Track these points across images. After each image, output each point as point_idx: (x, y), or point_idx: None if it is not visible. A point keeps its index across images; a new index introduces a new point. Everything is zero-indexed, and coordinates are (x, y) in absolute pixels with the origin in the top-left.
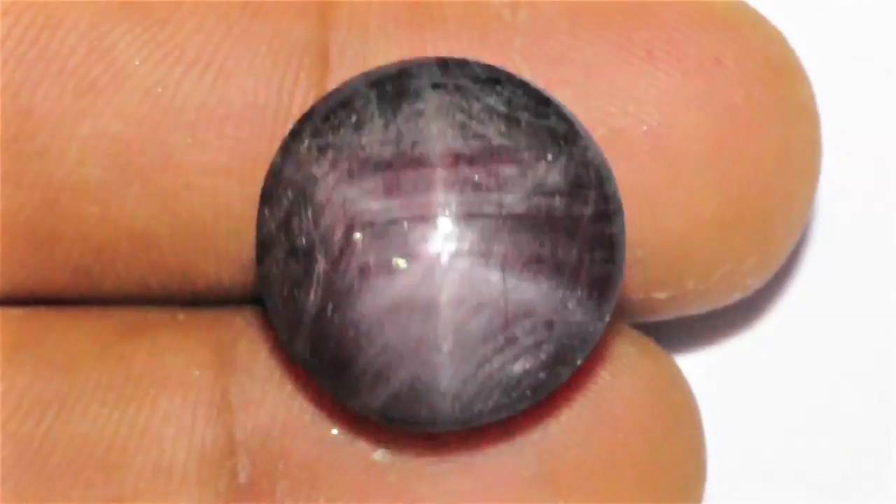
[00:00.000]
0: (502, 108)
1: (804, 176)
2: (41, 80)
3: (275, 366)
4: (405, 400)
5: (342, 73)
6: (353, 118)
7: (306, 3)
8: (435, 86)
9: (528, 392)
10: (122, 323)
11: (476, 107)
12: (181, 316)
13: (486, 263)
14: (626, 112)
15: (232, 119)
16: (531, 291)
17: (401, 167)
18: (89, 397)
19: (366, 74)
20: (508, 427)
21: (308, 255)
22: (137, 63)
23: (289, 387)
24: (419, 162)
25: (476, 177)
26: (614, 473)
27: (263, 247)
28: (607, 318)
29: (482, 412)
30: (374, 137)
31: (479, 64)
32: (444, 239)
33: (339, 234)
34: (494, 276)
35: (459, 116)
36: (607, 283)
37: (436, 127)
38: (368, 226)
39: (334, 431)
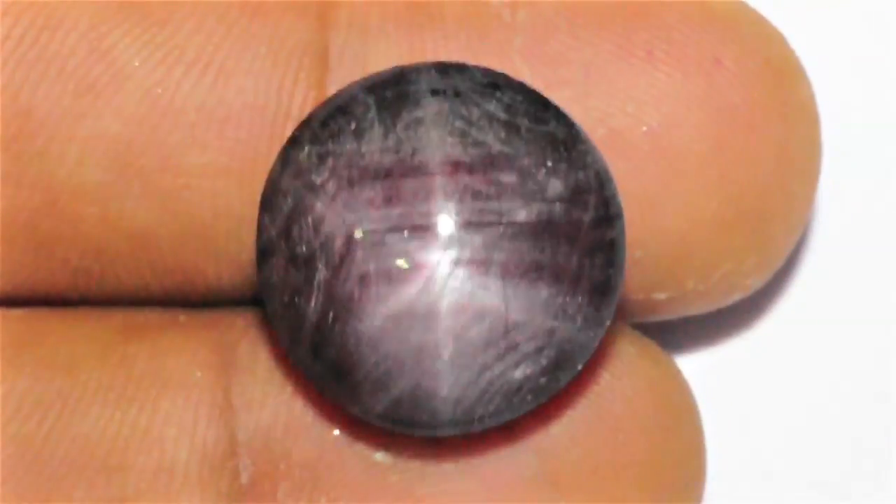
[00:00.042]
0: (502, 115)
1: (804, 176)
2: (41, 80)
3: (276, 367)
4: (406, 406)
5: (342, 73)
6: (353, 125)
7: (306, 3)
8: (434, 92)
9: (529, 397)
10: (123, 324)
11: (475, 113)
12: (182, 317)
13: (486, 271)
14: (626, 112)
15: (231, 120)
16: (532, 298)
17: (400, 175)
18: (91, 398)
19: (365, 80)
20: (510, 428)
21: (308, 262)
22: (137, 64)
23: (290, 387)
24: (419, 170)
25: (476, 185)
26: (615, 474)
27: (264, 254)
28: (608, 323)
29: (483, 417)
30: (374, 145)
31: (478, 68)
32: (445, 247)
33: (339, 243)
34: (495, 284)
35: (459, 124)
36: (608, 287)
37: (435, 134)
38: (368, 234)
39: (336, 432)
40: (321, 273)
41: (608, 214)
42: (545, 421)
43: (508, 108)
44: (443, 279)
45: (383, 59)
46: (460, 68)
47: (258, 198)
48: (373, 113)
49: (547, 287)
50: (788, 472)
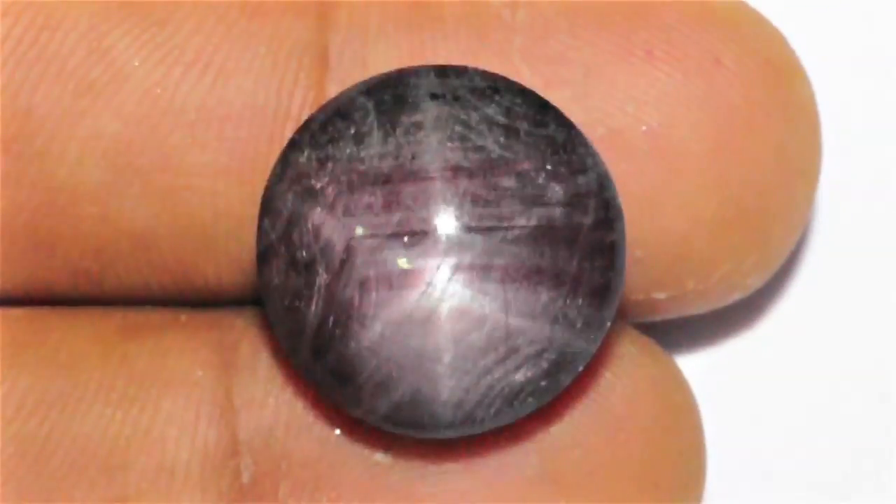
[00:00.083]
0: (501, 118)
1: (804, 176)
2: (41, 80)
3: (277, 366)
4: (407, 409)
5: (341, 73)
6: (352, 130)
7: (305, 3)
8: (433, 96)
9: (530, 399)
10: (124, 323)
11: (475, 117)
12: (183, 317)
13: (486, 277)
14: (626, 112)
15: (231, 119)
16: (532, 303)
17: (400, 180)
18: (92, 398)
19: (364, 83)
20: (510, 428)
21: (309, 267)
22: (137, 64)
23: (291, 387)
24: (418, 175)
25: (475, 190)
26: (615, 473)
27: (264, 257)
28: (608, 325)
29: (484, 420)
30: (373, 150)
31: (477, 71)
32: (444, 253)
33: (339, 248)
34: (495, 289)
35: (458, 128)
36: (608, 290)
37: (435, 139)
38: (368, 239)
39: (337, 432)
40: (321, 278)
41: (608, 217)
42: (546, 420)
43: (508, 112)
44: (443, 284)
45: (383, 59)
46: (459, 71)
47: (258, 197)
48: (372, 117)
49: (547, 291)
50: (788, 472)
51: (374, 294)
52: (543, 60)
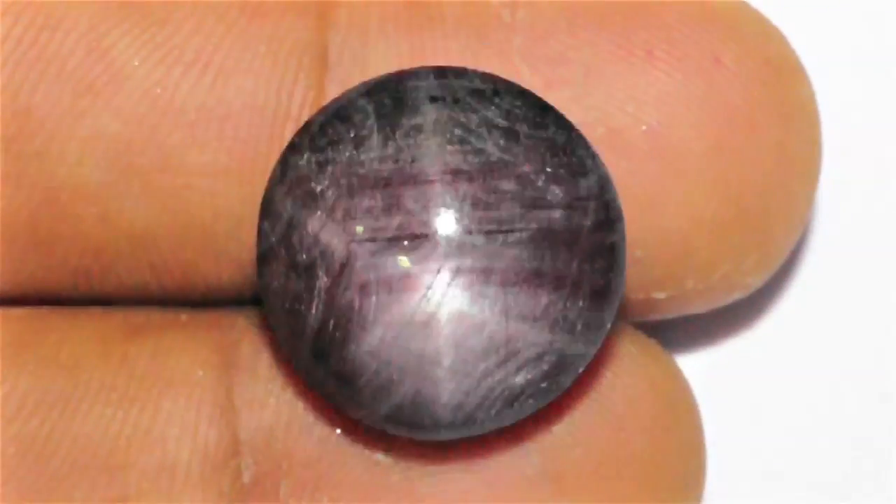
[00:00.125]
0: (501, 121)
1: (804, 176)
2: (40, 80)
3: (278, 366)
4: (407, 412)
5: (341, 73)
6: (352, 133)
7: (305, 3)
8: (433, 99)
9: (531, 401)
10: (124, 323)
11: (474, 120)
12: (184, 316)
13: (486, 280)
14: (626, 112)
15: (231, 119)
16: (532, 306)
17: (400, 184)
18: (93, 397)
19: (363, 85)
20: (511, 428)
21: (309, 270)
22: (136, 64)
23: (292, 387)
24: (418, 179)
25: (475, 193)
26: (616, 473)
27: (264, 260)
28: (609, 326)
29: (484, 422)
30: (373, 153)
31: (477, 73)
32: (445, 256)
33: (339, 251)
34: (495, 293)
35: (458, 131)
36: (608, 292)
37: (434, 143)
38: (368, 243)
39: (338, 431)
40: (321, 281)
41: (608, 219)
42: (546, 420)
43: (508, 114)
44: (443, 288)
45: (383, 58)
46: (459, 73)
47: (258, 197)
48: (372, 120)
49: (547, 294)
50: (788, 472)
51: (374, 298)
52: (543, 60)
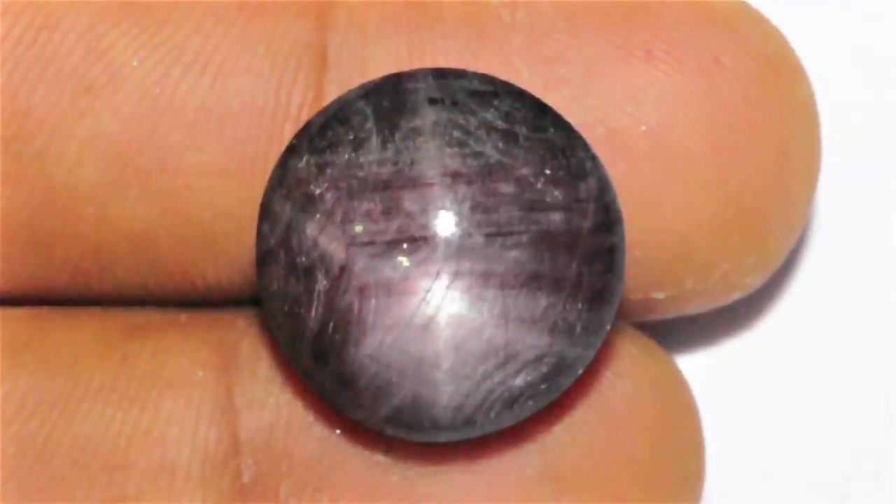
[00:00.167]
0: (500, 123)
1: (804, 175)
2: (39, 80)
3: (277, 366)
4: (407, 414)
5: (340, 73)
6: (351, 135)
7: (304, 3)
8: (432, 101)
9: (530, 403)
10: (124, 323)
11: (473, 122)
12: (184, 317)
13: (485, 283)
14: (625, 112)
15: (230, 119)
16: (531, 308)
17: (399, 187)
18: (93, 398)
19: (362, 87)
20: (511, 428)
21: (308, 273)
22: (135, 64)
23: (291, 387)
24: (417, 181)
25: (475, 196)
26: (616, 472)
27: (263, 262)
28: (608, 328)
29: (484, 424)
30: (372, 156)
31: (476, 75)
32: (444, 259)
33: (338, 254)
34: (494, 295)
35: (457, 134)
36: (607, 293)
37: (433, 145)
38: (368, 246)
39: (337, 431)
40: (321, 284)
41: (608, 221)
42: (546, 420)
43: (507, 117)
44: (442, 291)
45: (382, 59)
46: (458, 74)
47: (257, 198)
48: (371, 123)
49: (546, 297)
50: (788, 472)
51: (373, 301)
52: (542, 60)
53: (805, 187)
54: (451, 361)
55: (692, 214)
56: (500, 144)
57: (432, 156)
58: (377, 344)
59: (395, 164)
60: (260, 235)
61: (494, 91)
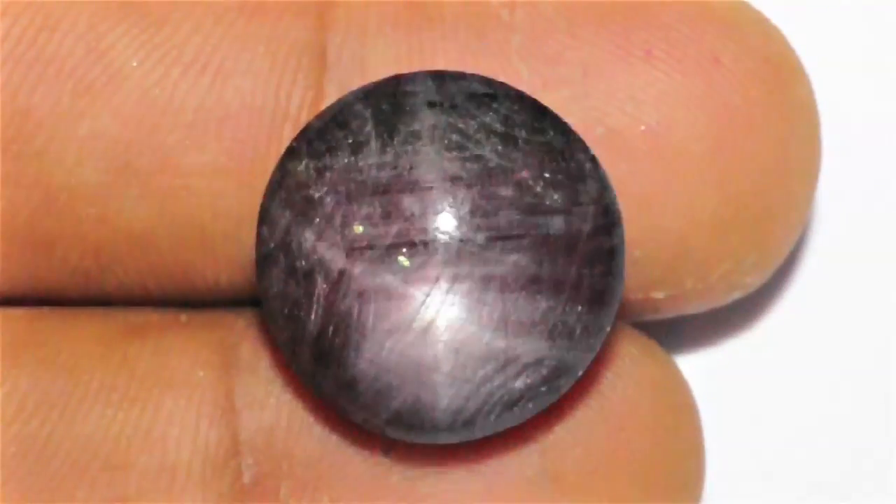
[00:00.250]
0: (499, 126)
1: (803, 175)
2: (39, 81)
3: (278, 367)
4: (407, 417)
5: (340, 73)
6: (350, 139)
7: (304, 3)
8: (431, 104)
9: (530, 405)
10: (125, 324)
11: (472, 126)
12: (184, 317)
13: (485, 286)
14: (625, 111)
15: (230, 120)
16: (531, 311)
17: (398, 191)
18: (93, 398)
19: (362, 89)
20: (511, 428)
21: (308, 277)
22: (135, 64)
23: (292, 388)
24: (417, 185)
25: (474, 200)
26: (616, 473)
27: (263, 265)
28: (608, 329)
29: (484, 426)
30: (371, 160)
31: (475, 77)
32: (443, 263)
33: (337, 258)
34: (493, 299)
35: (456, 137)
36: (607, 296)
37: (432, 149)
38: (367, 250)
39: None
40: (320, 287)
41: (607, 223)
42: (546, 421)
43: (506, 120)
44: (441, 295)
45: (381, 59)
46: (456, 77)
47: (257, 198)
48: (370, 126)
49: (546, 300)
50: (788, 472)
51: (372, 305)
52: (542, 60)
53: (805, 187)
54: (451, 365)
55: (692, 214)
56: (500, 148)
57: (431, 160)
58: (377, 348)
59: (395, 167)
60: (259, 238)
61: (493, 94)
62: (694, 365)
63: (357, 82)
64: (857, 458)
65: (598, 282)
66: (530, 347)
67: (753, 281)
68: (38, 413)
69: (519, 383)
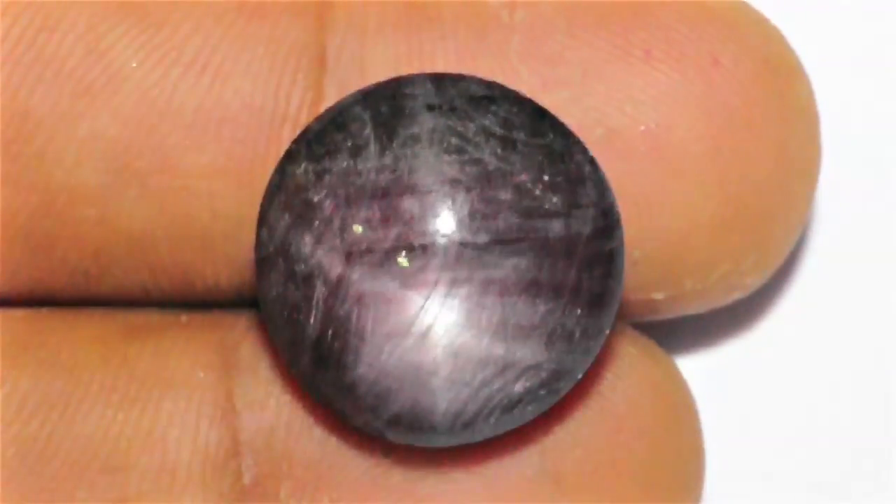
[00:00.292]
0: (498, 129)
1: (803, 176)
2: (38, 82)
3: (278, 368)
4: (406, 421)
5: (339, 74)
6: (349, 143)
7: (303, 4)
8: (430, 107)
9: (530, 408)
10: (125, 325)
11: (471, 129)
12: (184, 318)
13: (484, 290)
14: (624, 112)
15: (229, 121)
16: (530, 315)
17: (397, 195)
18: (93, 399)
19: (361, 92)
20: (512, 430)
21: (307, 281)
22: (134, 65)
23: (292, 389)
24: (416, 189)
25: (473, 203)
26: (616, 473)
27: (262, 268)
28: (607, 332)
29: (483, 429)
30: (371, 163)
31: (474, 79)
32: (442, 267)
33: (337, 262)
34: (493, 302)
35: (455, 140)
36: (607, 298)
37: (431, 153)
38: (366, 254)
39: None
40: (319, 291)
41: (607, 226)
42: (546, 421)
43: (505, 122)
44: (440, 299)
45: (381, 59)
46: (455, 80)
47: (257, 199)
48: (369, 129)
49: (545, 303)
50: (788, 472)
51: (371, 309)
52: (541, 61)
53: (805, 187)
54: (450, 369)
55: (691, 215)
56: (499, 150)
57: (430, 163)
58: (376, 352)
59: (394, 171)
60: (259, 242)
61: (492, 96)
62: (694, 365)
63: (356, 83)
64: (857, 458)
65: (597, 285)
66: (529, 351)
67: (753, 281)
68: (38, 414)
69: (518, 387)
